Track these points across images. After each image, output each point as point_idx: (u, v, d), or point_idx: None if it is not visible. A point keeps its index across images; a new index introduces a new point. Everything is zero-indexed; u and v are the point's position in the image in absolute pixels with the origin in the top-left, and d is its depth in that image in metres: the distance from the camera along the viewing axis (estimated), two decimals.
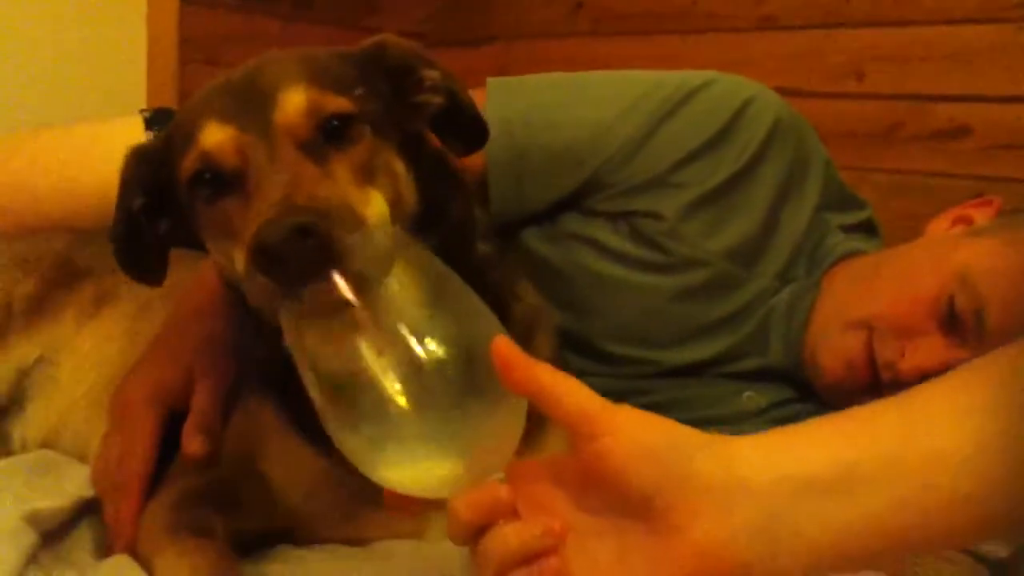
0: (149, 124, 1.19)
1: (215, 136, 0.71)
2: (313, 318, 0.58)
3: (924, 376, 0.62)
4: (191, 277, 0.93)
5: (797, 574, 0.55)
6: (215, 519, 0.81)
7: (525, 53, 2.58)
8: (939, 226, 1.13)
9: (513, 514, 0.56)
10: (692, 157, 1.10)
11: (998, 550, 0.87)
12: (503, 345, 0.56)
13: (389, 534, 0.87)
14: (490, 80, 1.13)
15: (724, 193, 1.10)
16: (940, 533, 0.55)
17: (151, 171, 0.80)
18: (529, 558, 0.55)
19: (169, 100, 1.91)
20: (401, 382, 0.55)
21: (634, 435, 0.56)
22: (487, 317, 0.60)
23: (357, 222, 0.63)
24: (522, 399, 0.58)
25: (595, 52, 2.42)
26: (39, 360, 1.05)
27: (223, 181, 0.71)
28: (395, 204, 0.74)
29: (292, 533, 0.87)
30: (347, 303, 0.57)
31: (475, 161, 1.07)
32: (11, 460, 0.93)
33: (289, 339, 0.60)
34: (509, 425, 0.58)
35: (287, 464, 0.85)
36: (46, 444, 1.00)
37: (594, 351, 1.13)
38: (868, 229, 1.23)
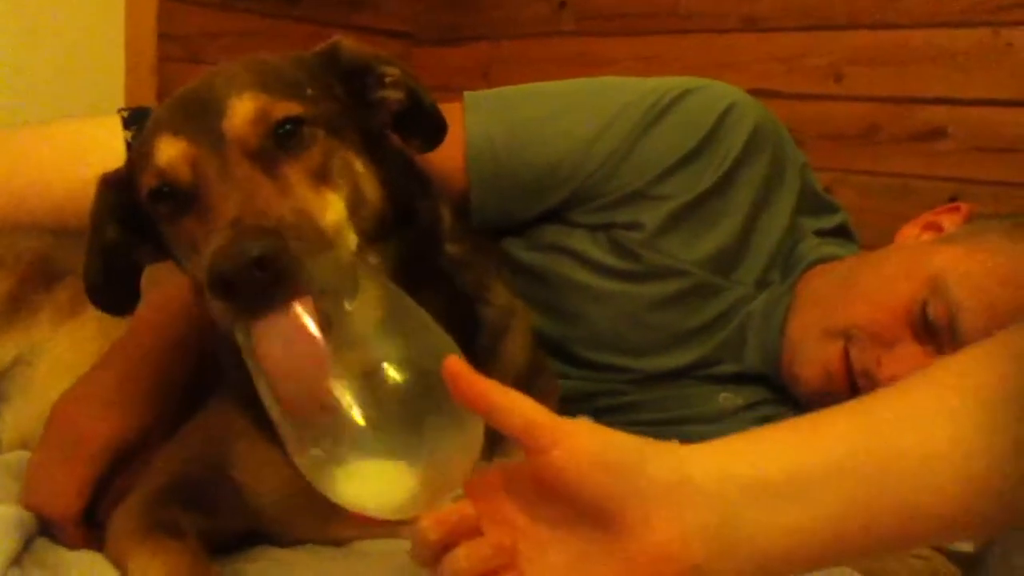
0: (127, 123, 1.18)
1: (167, 152, 0.71)
2: (268, 340, 0.59)
3: None
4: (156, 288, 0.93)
5: (749, 574, 0.56)
6: (186, 519, 0.81)
7: (510, 52, 2.58)
8: (909, 233, 1.14)
9: (476, 531, 0.57)
10: (673, 169, 1.10)
11: (964, 546, 0.88)
12: (453, 364, 0.57)
13: (364, 534, 0.87)
14: (467, 94, 1.13)
15: (705, 202, 1.11)
16: (893, 537, 0.56)
17: (122, 197, 0.79)
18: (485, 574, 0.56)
19: (149, 98, 1.90)
20: (357, 403, 0.56)
21: (584, 445, 0.56)
22: (440, 336, 0.61)
23: (317, 240, 0.64)
24: (478, 418, 0.59)
25: (579, 51, 2.43)
26: (15, 361, 1.05)
27: (180, 196, 0.71)
28: (357, 204, 0.73)
29: (267, 534, 0.87)
30: (303, 326, 0.58)
31: (455, 175, 1.08)
32: None
33: (247, 358, 0.61)
34: (465, 443, 0.59)
35: (257, 468, 0.84)
36: (22, 445, 0.99)
37: (572, 356, 1.14)
38: (843, 233, 1.24)
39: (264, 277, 0.58)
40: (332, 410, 0.56)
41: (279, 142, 0.71)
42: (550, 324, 1.13)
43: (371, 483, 0.57)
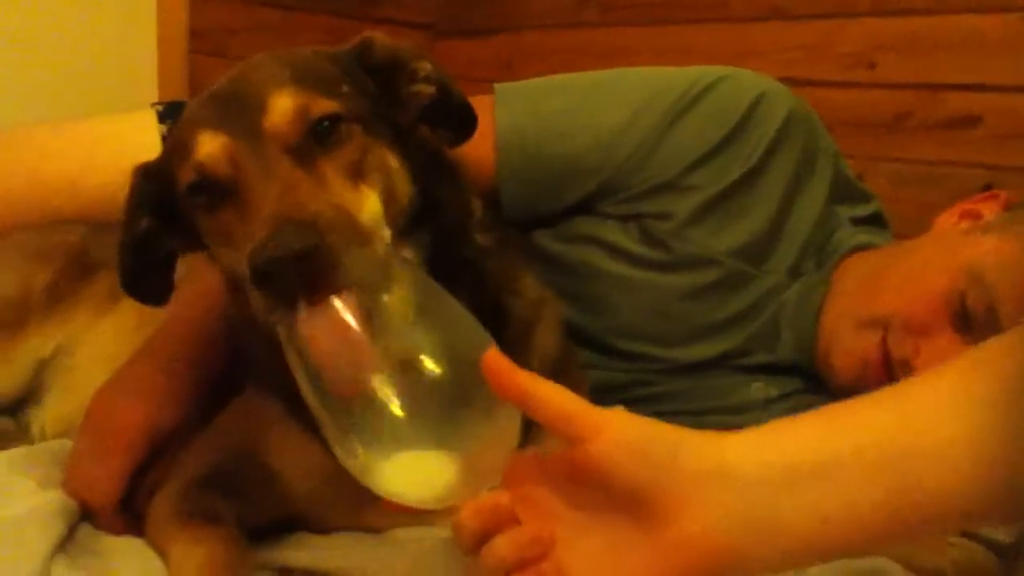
0: (162, 117, 1.20)
1: (208, 146, 0.72)
2: (310, 332, 0.60)
3: None
4: (189, 281, 0.94)
5: (781, 561, 0.56)
6: (224, 506, 0.82)
7: (532, 44, 2.58)
8: (947, 221, 1.12)
9: (513, 520, 0.58)
10: (703, 159, 1.10)
11: (1001, 535, 0.88)
12: (491, 357, 0.58)
13: (398, 522, 0.88)
14: (498, 86, 1.13)
15: (735, 192, 1.10)
16: (921, 521, 0.56)
17: (156, 188, 0.80)
18: (523, 565, 0.57)
19: (180, 91, 1.92)
20: (395, 394, 0.57)
21: (618, 434, 0.57)
22: (475, 327, 0.62)
23: (354, 235, 0.65)
24: (514, 408, 0.59)
25: (603, 42, 2.42)
26: (56, 351, 1.07)
27: (219, 190, 0.72)
28: (390, 199, 0.74)
29: (302, 521, 0.88)
30: (343, 319, 0.59)
31: (485, 168, 1.08)
32: (32, 448, 0.95)
33: (287, 350, 0.62)
34: (502, 434, 0.60)
35: (291, 457, 0.85)
36: (64, 434, 1.02)
37: (602, 346, 1.14)
38: (877, 222, 1.23)
39: (304, 270, 0.59)
40: (371, 401, 0.57)
41: (317, 138, 0.72)
42: (580, 314, 1.13)
43: (409, 473, 0.58)
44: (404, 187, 0.77)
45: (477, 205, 0.92)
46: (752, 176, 1.11)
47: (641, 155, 1.10)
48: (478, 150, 1.08)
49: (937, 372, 0.59)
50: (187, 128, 0.75)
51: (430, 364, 0.58)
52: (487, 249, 0.90)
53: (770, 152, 1.11)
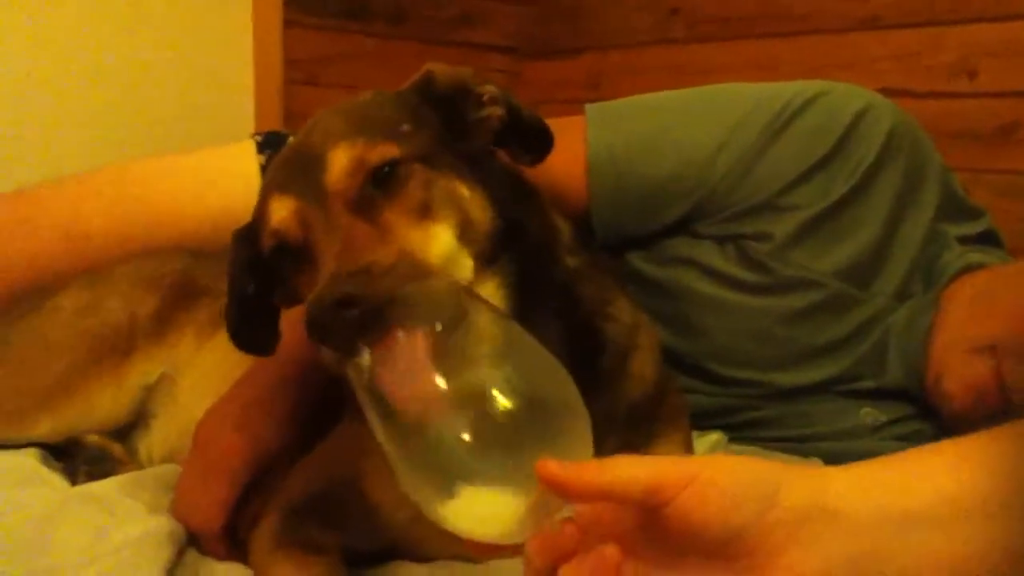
0: (261, 148, 1.23)
1: (278, 211, 0.74)
2: (374, 371, 0.60)
3: None
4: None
5: None
6: (325, 534, 0.83)
7: (619, 62, 2.57)
8: None
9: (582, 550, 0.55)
10: (803, 178, 1.06)
11: None
12: (543, 467, 0.54)
13: (497, 554, 0.87)
14: (588, 106, 1.12)
15: (838, 212, 1.07)
16: None
17: (252, 250, 0.82)
18: None
19: (276, 120, 1.97)
20: (462, 430, 0.56)
21: (708, 483, 0.53)
22: (551, 363, 0.61)
23: (415, 274, 0.64)
24: (587, 447, 0.57)
25: (691, 59, 2.39)
26: (162, 377, 1.09)
27: (295, 252, 0.74)
28: (466, 229, 0.74)
29: (401, 550, 0.88)
30: (406, 356, 0.58)
31: (577, 190, 1.07)
32: (141, 473, 0.98)
33: (356, 390, 0.62)
34: None
35: (389, 485, 0.83)
36: (170, 459, 1.04)
37: (702, 371, 1.11)
38: (988, 239, 1.18)
39: (354, 316, 0.59)
40: (437, 436, 0.56)
41: (378, 185, 0.73)
42: (675, 338, 1.11)
43: (478, 509, 0.57)
44: (481, 214, 0.76)
45: (564, 227, 0.91)
46: (856, 194, 1.07)
47: (738, 174, 1.07)
48: (570, 172, 1.07)
49: None
50: (264, 193, 0.78)
51: (499, 398, 0.56)
52: (578, 272, 0.88)
53: (874, 169, 1.07)
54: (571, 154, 1.09)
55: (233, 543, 0.88)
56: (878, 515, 0.53)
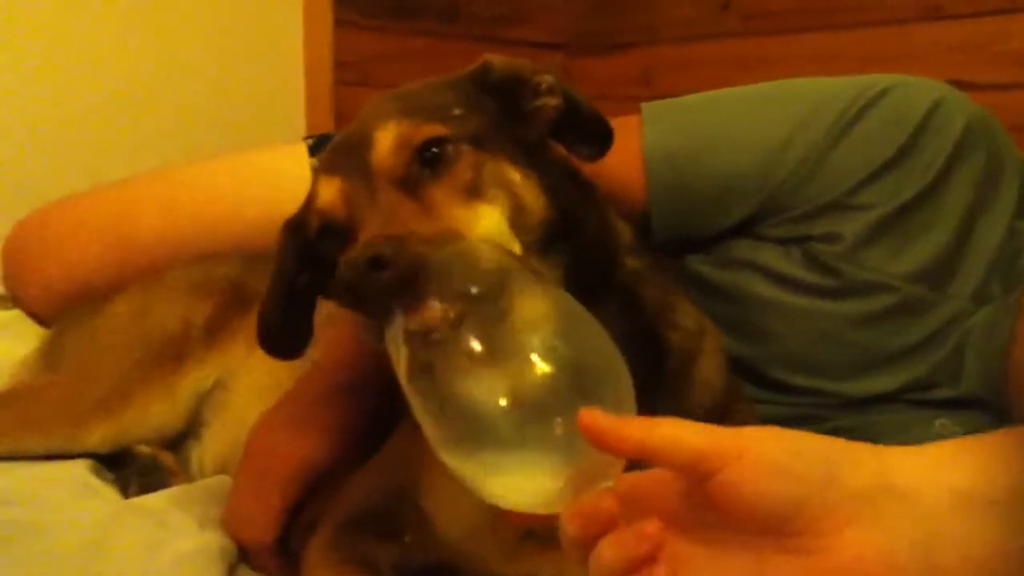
0: (312, 150, 1.22)
1: (325, 192, 0.74)
2: (409, 336, 0.58)
3: None
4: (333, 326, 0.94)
5: None
6: (378, 550, 0.81)
7: (671, 56, 2.53)
8: None
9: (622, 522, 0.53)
10: (874, 176, 1.01)
11: None
12: (586, 417, 0.52)
13: (555, 572, 0.84)
14: (644, 105, 1.08)
15: (911, 211, 1.01)
16: None
17: (302, 240, 0.81)
18: (631, 568, 0.51)
19: (327, 120, 1.97)
20: (500, 395, 0.54)
21: (762, 456, 0.50)
22: (601, 336, 0.58)
23: (447, 238, 0.63)
24: (632, 413, 0.55)
25: (745, 53, 2.35)
26: (215, 385, 1.09)
27: (340, 232, 0.73)
28: (518, 214, 0.73)
29: (455, 566, 0.85)
30: (443, 320, 0.56)
31: (635, 191, 1.03)
32: (192, 486, 0.97)
33: (393, 362, 0.60)
34: None
35: (446, 499, 0.83)
36: (223, 469, 1.03)
37: (767, 379, 1.07)
38: None
39: (387, 278, 0.58)
40: (475, 402, 0.54)
41: (425, 164, 0.72)
42: (739, 345, 1.06)
43: (516, 478, 0.55)
44: (533, 201, 0.75)
45: (624, 228, 0.88)
46: (930, 192, 1.02)
47: (804, 173, 1.02)
48: (626, 172, 1.04)
49: None
50: (314, 178, 0.77)
51: (538, 362, 0.54)
52: (640, 274, 0.86)
53: (949, 165, 1.02)
54: (627, 154, 1.06)
55: (286, 556, 0.86)
56: (943, 496, 0.50)
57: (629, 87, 2.54)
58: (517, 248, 0.71)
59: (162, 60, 1.77)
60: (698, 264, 1.11)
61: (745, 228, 1.08)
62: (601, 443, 0.52)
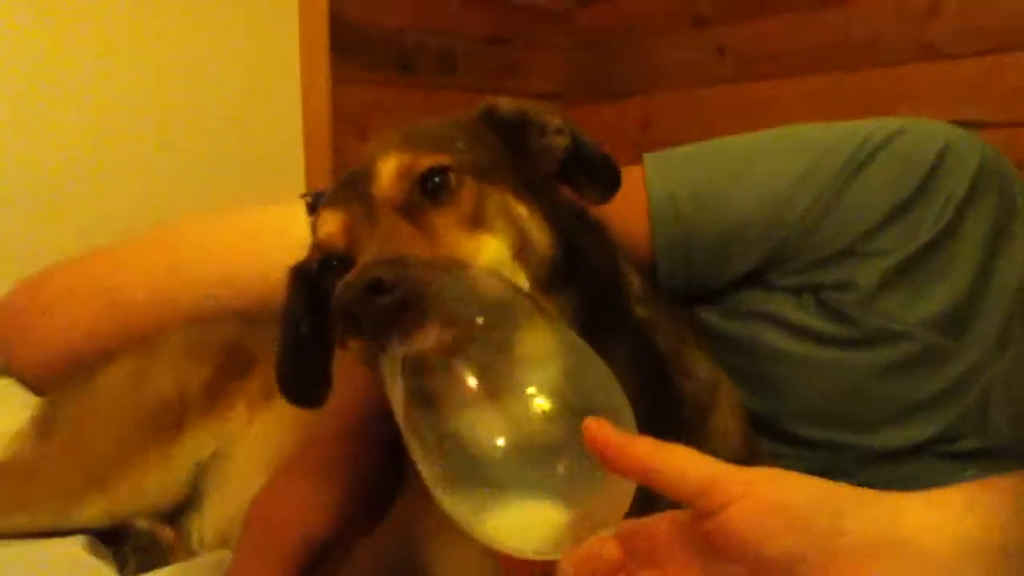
0: (312, 209, 1.20)
1: (326, 225, 0.72)
2: (405, 368, 0.55)
3: None
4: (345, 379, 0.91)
5: None
6: None
7: (668, 103, 2.54)
8: None
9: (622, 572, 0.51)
10: (887, 221, 0.99)
11: None
12: (592, 425, 0.50)
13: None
14: (647, 156, 1.06)
15: (927, 256, 0.99)
16: None
17: (308, 286, 0.79)
18: None
19: (326, 173, 1.96)
20: (498, 433, 0.52)
21: (766, 496, 0.49)
22: (603, 373, 0.55)
23: (450, 264, 0.61)
24: None
25: (744, 97, 2.35)
26: (213, 455, 1.06)
27: (341, 265, 0.71)
28: (523, 247, 0.71)
29: None
30: (443, 349, 0.54)
31: (641, 242, 1.01)
32: (191, 564, 0.94)
33: (390, 395, 0.57)
34: (619, 482, 0.53)
35: (455, 567, 0.80)
36: (223, 541, 0.99)
37: (786, 434, 1.03)
38: None
39: (386, 303, 0.55)
40: (470, 439, 0.52)
41: (427, 194, 0.70)
42: (754, 398, 1.03)
43: (515, 520, 0.52)
44: (539, 235, 0.73)
45: (633, 276, 0.87)
46: (945, 237, 0.99)
47: (815, 218, 1.00)
48: (631, 224, 1.02)
49: None
50: (316, 214, 0.76)
51: (540, 402, 0.52)
52: (652, 321, 0.84)
53: (963, 208, 0.99)
54: (631, 205, 1.04)
55: None
56: (956, 548, 0.48)
57: (628, 135, 2.55)
58: (523, 282, 0.69)
59: (159, 116, 1.76)
60: (708, 315, 1.09)
61: (755, 277, 1.05)
62: (605, 456, 0.50)
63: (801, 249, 1.01)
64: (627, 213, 1.00)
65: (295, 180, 1.93)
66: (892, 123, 1.03)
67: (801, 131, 1.09)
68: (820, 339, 1.01)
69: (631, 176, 1.06)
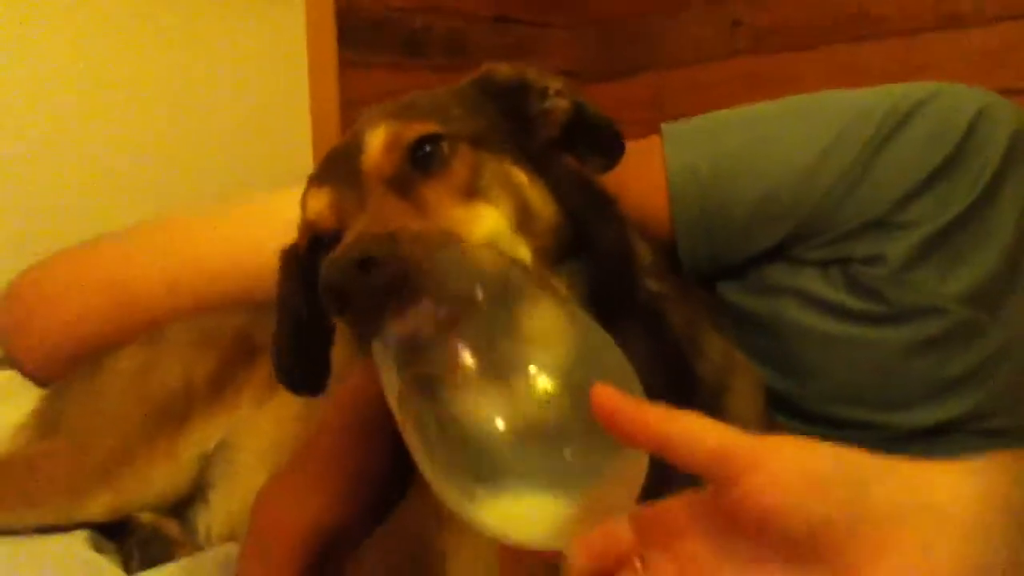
0: None
1: (313, 203, 0.69)
2: (402, 348, 0.52)
3: None
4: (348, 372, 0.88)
5: None
6: None
7: (683, 79, 2.50)
8: None
9: (638, 559, 0.48)
10: (917, 192, 0.94)
11: None
12: (600, 392, 0.47)
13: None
14: (664, 126, 1.02)
15: (960, 228, 0.94)
16: None
17: (303, 268, 0.76)
18: None
19: None
20: (499, 417, 0.48)
21: (788, 464, 0.46)
22: (614, 354, 0.52)
23: (443, 240, 0.57)
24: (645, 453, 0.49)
25: (757, 72, 2.31)
26: (221, 445, 1.04)
27: (329, 243, 0.67)
28: (523, 217, 0.68)
29: None
30: (437, 330, 0.50)
31: (659, 218, 0.97)
32: (196, 559, 0.92)
33: (384, 383, 0.54)
34: (629, 467, 0.49)
35: (468, 562, 0.79)
36: (230, 534, 0.97)
37: (813, 414, 1.00)
38: None
39: (377, 281, 0.52)
40: (468, 425, 0.48)
41: (418, 165, 0.67)
42: (781, 378, 0.99)
43: (514, 509, 0.48)
44: (540, 203, 0.70)
45: (643, 249, 0.83)
46: (979, 207, 0.95)
47: (842, 190, 0.96)
48: (649, 199, 0.98)
49: None
50: (304, 191, 0.73)
51: (540, 380, 0.49)
52: (663, 296, 0.80)
53: (998, 177, 0.95)
54: (649, 179, 1.00)
55: None
56: (991, 510, 0.45)
57: (641, 112, 2.51)
58: (525, 255, 0.66)
59: (165, 103, 1.75)
60: (731, 292, 1.05)
61: (781, 251, 1.01)
62: (614, 424, 0.47)
63: (828, 222, 0.97)
64: (645, 187, 0.97)
65: (303, 166, 1.90)
66: (922, 88, 0.99)
67: (826, 98, 1.04)
68: (848, 315, 0.97)
69: (648, 148, 1.02)
